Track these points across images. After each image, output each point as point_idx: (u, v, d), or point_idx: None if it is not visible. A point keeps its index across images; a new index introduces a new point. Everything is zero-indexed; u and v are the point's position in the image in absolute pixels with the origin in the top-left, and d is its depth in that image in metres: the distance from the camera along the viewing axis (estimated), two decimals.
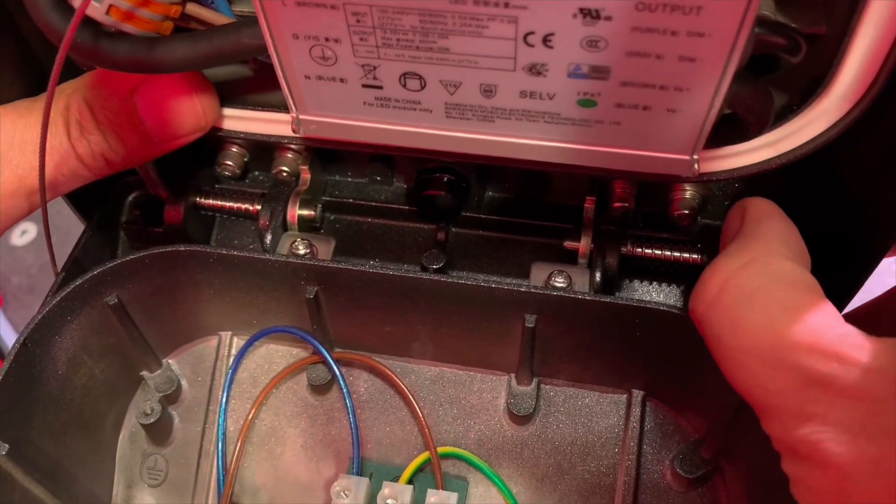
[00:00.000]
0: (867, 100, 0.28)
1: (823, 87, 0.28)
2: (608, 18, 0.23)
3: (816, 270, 0.27)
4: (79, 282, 0.34)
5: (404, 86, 0.27)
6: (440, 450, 0.37)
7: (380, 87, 0.27)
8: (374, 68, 0.26)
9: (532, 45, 0.24)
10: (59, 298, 0.33)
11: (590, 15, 0.22)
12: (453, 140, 0.29)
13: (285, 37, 0.26)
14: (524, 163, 0.33)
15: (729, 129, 0.31)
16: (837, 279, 0.32)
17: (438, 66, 0.26)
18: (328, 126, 0.30)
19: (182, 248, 0.35)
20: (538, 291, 0.33)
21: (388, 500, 0.33)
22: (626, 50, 0.24)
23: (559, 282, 0.34)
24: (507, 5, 0.23)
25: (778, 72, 0.29)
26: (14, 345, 0.32)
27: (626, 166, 0.28)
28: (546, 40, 0.24)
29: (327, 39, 0.26)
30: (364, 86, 0.27)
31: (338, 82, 0.27)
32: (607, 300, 0.32)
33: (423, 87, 0.27)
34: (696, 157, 0.27)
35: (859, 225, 0.34)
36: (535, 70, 0.25)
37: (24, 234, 0.92)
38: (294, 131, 0.31)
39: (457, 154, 0.33)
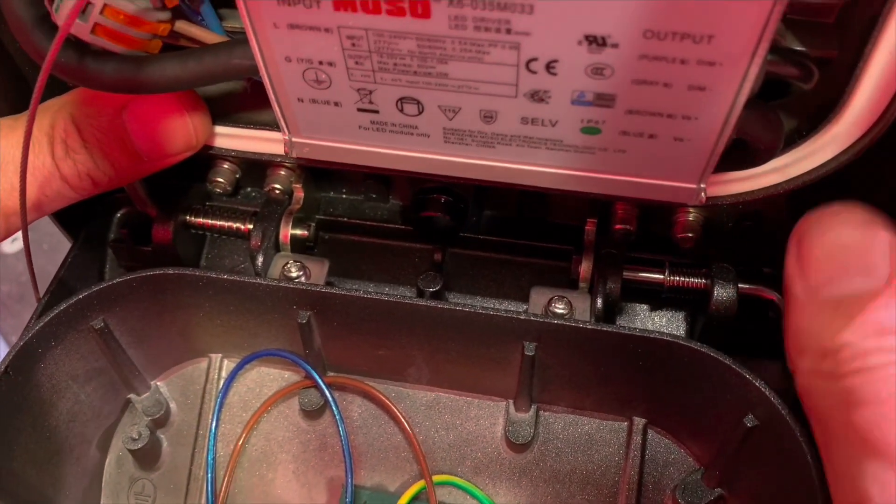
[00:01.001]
0: (880, 126, 0.27)
1: (834, 112, 0.27)
2: (615, 46, 0.22)
3: None
4: (63, 306, 0.33)
5: (401, 110, 0.26)
6: (436, 478, 0.36)
7: (376, 112, 0.26)
8: (370, 92, 0.25)
9: (535, 72, 0.23)
10: (42, 324, 0.32)
11: (595, 42, 0.22)
12: (452, 165, 0.28)
13: (277, 59, 0.25)
14: (519, 186, 0.32)
15: (736, 154, 0.30)
16: None
17: (437, 91, 0.25)
18: (322, 149, 0.29)
19: (171, 272, 0.34)
20: (538, 319, 0.32)
21: None
22: (632, 78, 0.23)
23: (559, 308, 0.33)
24: (509, 31, 0.22)
25: (788, 97, 0.28)
26: None
27: (630, 193, 0.27)
28: (549, 67, 0.23)
29: (321, 63, 0.25)
30: (359, 110, 0.26)
31: (332, 106, 0.26)
32: (610, 329, 0.31)
33: (420, 112, 0.26)
34: (703, 185, 0.26)
35: None
36: (538, 97, 0.24)
37: (15, 241, 0.90)
38: (286, 153, 0.30)
39: (455, 177, 0.32)
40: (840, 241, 0.26)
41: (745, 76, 0.22)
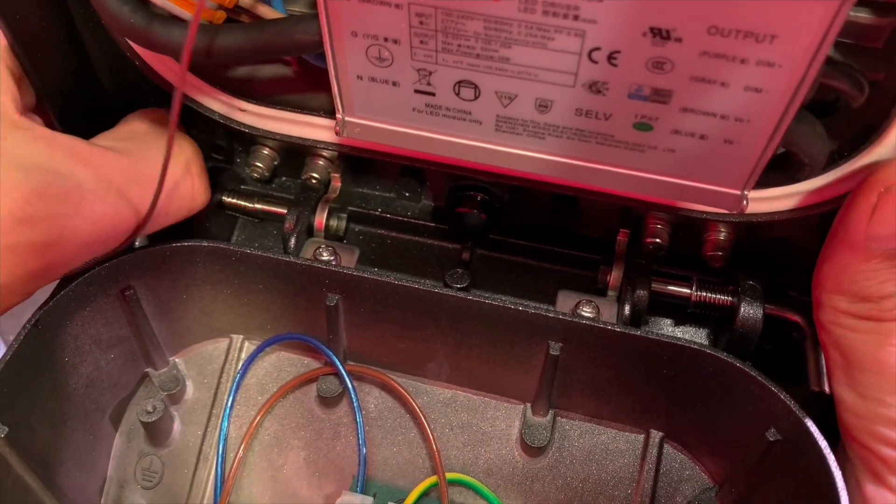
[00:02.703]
0: None
1: (877, 135, 0.28)
2: (678, 40, 0.22)
3: None
4: (96, 268, 0.33)
5: (457, 94, 0.26)
6: (448, 476, 0.35)
7: (432, 94, 0.27)
8: (430, 73, 0.26)
9: (596, 62, 0.24)
10: (74, 283, 0.33)
11: (660, 35, 0.22)
12: (499, 155, 0.28)
13: (344, 33, 0.25)
14: (564, 188, 0.32)
15: (780, 170, 0.30)
16: None
17: (496, 76, 0.25)
18: (373, 130, 0.29)
19: (204, 244, 0.34)
20: (566, 318, 0.32)
21: None
22: (691, 74, 0.23)
23: (587, 311, 0.34)
24: (576, 18, 0.22)
25: (832, 115, 0.29)
26: (25, 325, 0.31)
27: (673, 196, 0.27)
28: (611, 58, 0.23)
29: (386, 39, 0.25)
30: (416, 91, 0.27)
31: (390, 85, 0.27)
32: (637, 333, 0.32)
33: (476, 97, 0.26)
34: (746, 192, 0.27)
35: None
36: (596, 88, 0.25)
37: None
38: (337, 133, 0.30)
39: (496, 173, 0.33)
40: None
41: (802, 80, 0.22)
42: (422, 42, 0.25)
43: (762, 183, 0.30)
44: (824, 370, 0.33)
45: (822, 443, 0.28)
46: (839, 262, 0.28)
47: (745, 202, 0.27)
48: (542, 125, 0.27)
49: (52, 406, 0.33)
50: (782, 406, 0.30)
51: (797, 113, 0.26)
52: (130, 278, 0.34)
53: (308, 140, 0.35)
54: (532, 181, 0.32)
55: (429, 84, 0.26)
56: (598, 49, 0.23)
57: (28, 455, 0.31)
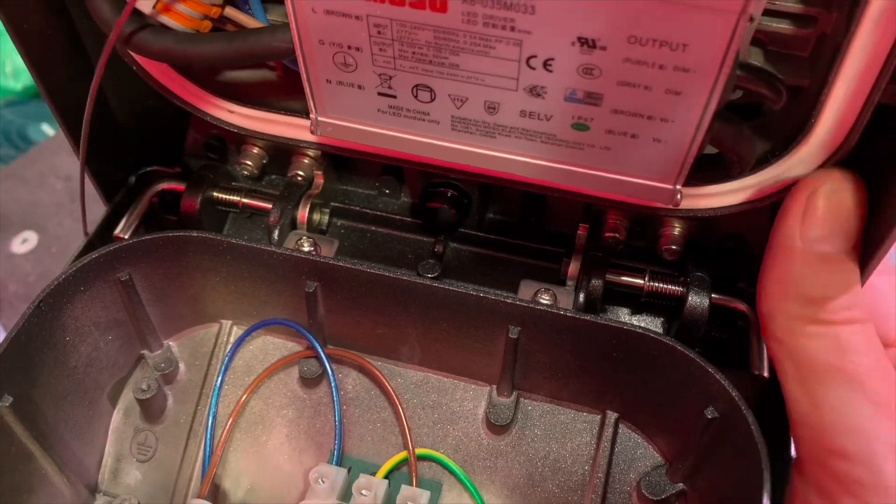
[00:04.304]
0: (843, 151, 0.30)
1: (803, 135, 0.31)
2: (603, 48, 0.25)
3: None
4: (94, 255, 0.36)
5: (416, 97, 0.29)
6: (418, 451, 0.38)
7: (393, 97, 0.30)
8: (390, 78, 0.29)
9: (533, 68, 0.26)
10: (75, 268, 0.36)
11: (587, 44, 0.25)
12: (457, 153, 0.31)
13: (312, 41, 0.28)
14: (520, 184, 0.35)
15: (714, 169, 0.33)
16: None
17: (448, 80, 0.28)
18: (343, 129, 0.32)
19: (194, 234, 0.37)
20: (523, 304, 0.35)
21: (363, 491, 0.35)
22: (618, 79, 0.26)
23: (545, 299, 0.36)
24: (513, 29, 0.25)
25: (762, 118, 0.31)
26: (30, 306, 0.34)
27: (613, 191, 0.30)
28: (546, 64, 0.26)
29: (349, 47, 0.28)
30: (379, 94, 0.30)
31: (356, 88, 0.30)
32: (588, 318, 0.34)
33: (432, 100, 0.29)
34: (678, 187, 0.30)
35: None
36: (535, 91, 0.27)
37: (25, 242, 0.94)
38: (312, 132, 0.33)
39: (460, 170, 0.36)
40: (846, 203, 0.29)
41: (715, 84, 0.25)
42: (381, 49, 0.28)
43: (701, 180, 0.33)
44: (766, 356, 0.36)
45: (750, 418, 0.31)
46: (782, 270, 0.30)
47: (678, 196, 0.30)
48: (492, 125, 0.29)
49: (54, 382, 0.36)
50: (718, 386, 0.32)
51: (723, 114, 0.29)
52: (127, 266, 0.37)
53: (290, 139, 0.38)
54: (492, 178, 0.35)
55: (390, 87, 0.29)
56: (534, 56, 0.26)
57: (30, 424, 0.34)
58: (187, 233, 0.37)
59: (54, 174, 0.95)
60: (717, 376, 0.32)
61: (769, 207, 0.38)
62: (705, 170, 0.33)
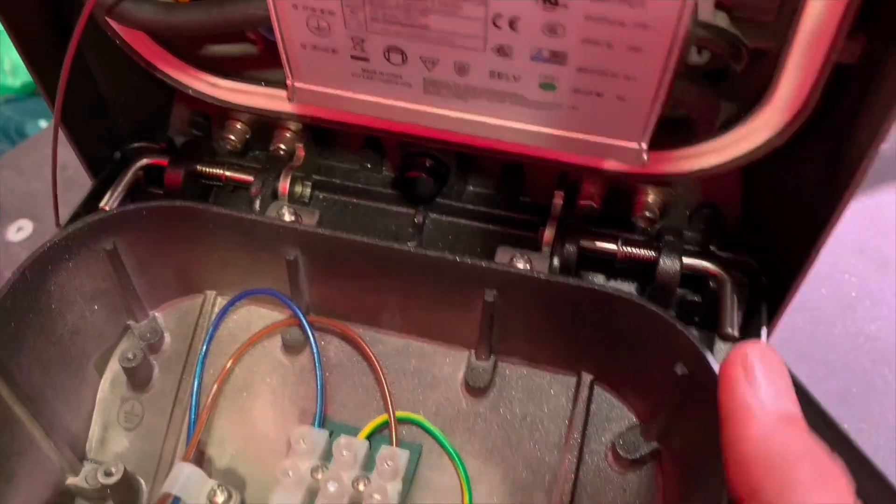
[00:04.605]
0: (804, 112, 0.31)
1: (766, 97, 0.32)
2: (565, 6, 0.26)
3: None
4: (80, 224, 0.37)
5: (388, 59, 0.30)
6: (398, 414, 0.39)
7: (366, 60, 0.31)
8: (363, 41, 0.30)
9: (500, 27, 0.27)
10: (59, 237, 0.36)
11: (549, 1, 0.26)
12: (430, 116, 0.32)
13: (286, 5, 0.29)
14: (493, 151, 0.36)
15: (681, 133, 0.34)
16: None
17: (418, 42, 0.29)
18: (319, 95, 0.33)
19: (178, 204, 0.38)
20: (499, 268, 0.36)
21: (344, 451, 0.36)
22: (581, 37, 0.27)
23: (520, 264, 0.37)
24: None
25: (726, 81, 0.32)
26: (15, 272, 0.35)
27: (582, 151, 0.31)
28: (512, 23, 0.27)
29: (322, 11, 0.29)
30: (352, 57, 0.31)
31: (330, 53, 0.31)
32: (561, 280, 0.35)
33: (404, 62, 0.30)
34: (644, 146, 0.30)
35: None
36: (503, 51, 0.28)
37: (20, 230, 0.94)
38: (289, 99, 0.34)
39: (435, 138, 0.37)
40: (779, 363, 0.28)
41: (674, 40, 0.26)
42: (352, 12, 0.29)
43: (669, 143, 0.34)
44: (736, 314, 0.37)
45: (717, 368, 0.32)
46: (747, 446, 0.26)
47: (644, 157, 0.31)
48: (462, 87, 0.30)
49: (40, 348, 0.37)
50: (687, 343, 0.33)
51: (686, 74, 0.30)
52: (112, 235, 0.38)
53: (271, 111, 0.39)
54: (467, 146, 0.36)
55: (362, 50, 0.30)
56: (500, 16, 0.27)
57: (16, 389, 0.35)
58: (171, 202, 0.38)
59: (49, 164, 0.96)
60: (686, 332, 0.33)
61: (739, 174, 0.39)
62: (673, 134, 0.34)
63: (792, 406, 0.27)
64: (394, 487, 0.35)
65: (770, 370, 0.27)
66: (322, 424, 0.39)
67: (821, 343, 0.62)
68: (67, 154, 0.42)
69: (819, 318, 0.63)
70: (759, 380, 0.27)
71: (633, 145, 0.30)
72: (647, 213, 0.40)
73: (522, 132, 0.31)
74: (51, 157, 0.39)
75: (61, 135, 0.39)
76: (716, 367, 0.32)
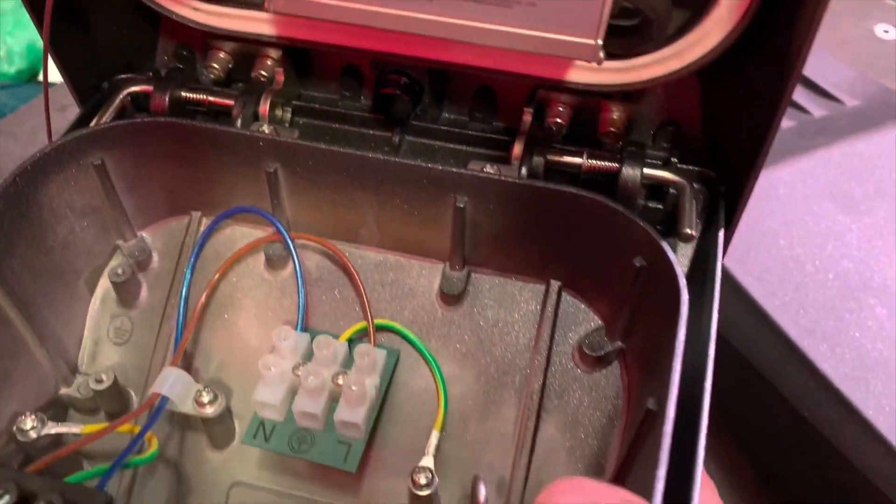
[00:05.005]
0: (751, 11, 0.33)
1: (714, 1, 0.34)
2: None
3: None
4: (69, 138, 0.39)
5: None
6: (376, 321, 0.41)
7: None
8: None
9: None
10: (50, 149, 0.38)
11: None
12: (397, 19, 0.34)
13: None
14: (460, 66, 0.38)
15: (636, 40, 0.36)
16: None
17: None
18: (294, 3, 0.35)
19: (161, 120, 0.40)
20: (469, 174, 0.37)
21: (324, 349, 0.38)
22: None
23: (489, 170, 0.39)
24: None
25: None
26: (5, 180, 0.37)
27: (541, 49, 0.33)
28: None
29: None
30: None
31: None
32: (527, 183, 0.37)
33: None
34: (599, 42, 0.32)
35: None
36: None
37: None
38: (266, 9, 0.36)
39: (407, 55, 0.39)
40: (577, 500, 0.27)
41: None
42: None
43: (628, 54, 0.36)
44: (694, 216, 0.38)
45: (673, 258, 0.34)
46: None
47: (600, 54, 0.33)
48: None
49: (31, 257, 0.39)
50: (644, 234, 0.35)
51: None
52: (100, 150, 0.40)
53: (250, 33, 0.41)
54: (437, 62, 0.38)
55: None
56: None
57: (9, 291, 0.37)
58: (155, 118, 0.40)
59: (44, 131, 0.98)
60: (643, 225, 0.35)
61: (698, 91, 0.41)
62: (631, 42, 0.36)
63: None
64: (371, 382, 0.37)
65: None
66: (304, 328, 0.41)
67: (793, 281, 0.64)
68: (62, 122, 0.43)
69: (791, 257, 0.65)
70: None
71: (589, 41, 0.32)
72: (612, 129, 0.41)
73: (484, 31, 0.33)
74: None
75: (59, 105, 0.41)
76: (671, 256, 0.34)
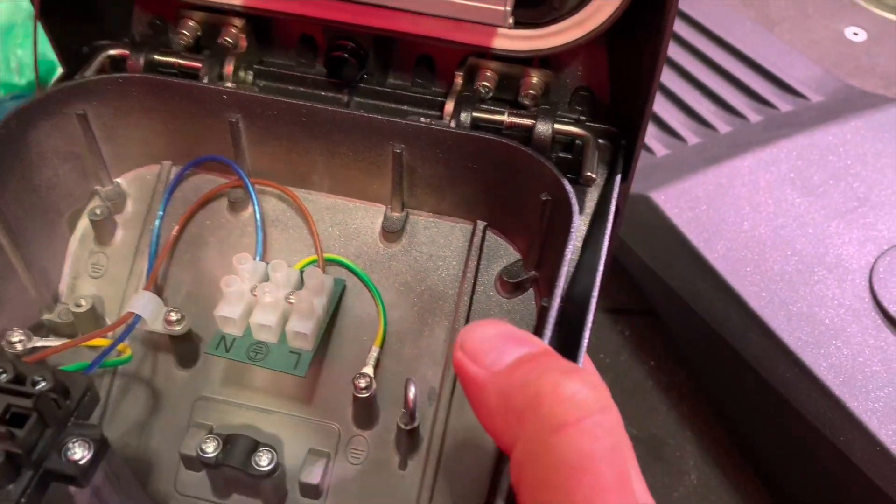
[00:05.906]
0: None
1: None
2: None
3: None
4: (58, 88, 0.44)
5: None
6: (326, 255, 0.47)
7: None
8: None
9: None
10: (40, 98, 0.44)
11: None
12: None
13: None
14: (395, 33, 0.44)
15: (546, 9, 0.43)
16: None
17: None
18: None
19: (136, 76, 0.46)
20: (403, 122, 0.44)
21: (278, 273, 0.44)
22: None
23: (423, 121, 0.45)
24: None
25: None
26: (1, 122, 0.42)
27: (453, 13, 0.39)
28: None
29: None
30: None
31: None
32: (455, 131, 0.43)
33: None
34: (508, 8, 0.39)
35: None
36: None
37: None
38: None
39: (351, 23, 0.45)
40: (489, 330, 0.30)
41: None
42: None
43: (540, 23, 0.43)
44: (596, 162, 0.45)
45: (569, 189, 0.40)
46: (493, 401, 0.27)
47: (510, 19, 0.39)
48: None
49: (21, 191, 0.44)
50: (549, 173, 0.42)
51: None
52: (83, 102, 0.45)
53: (216, 3, 0.47)
54: (377, 29, 0.44)
55: None
56: None
57: (2, 217, 0.42)
58: (131, 74, 0.46)
59: None
60: (548, 164, 0.42)
61: (606, 59, 0.48)
62: (539, 12, 0.43)
63: (514, 349, 0.28)
64: (319, 301, 0.43)
65: (481, 338, 0.29)
66: (262, 258, 0.47)
67: (755, 257, 0.71)
68: None
69: (754, 237, 0.73)
70: (476, 351, 0.28)
71: (499, 7, 0.39)
72: (532, 92, 0.48)
73: None
74: None
75: None
76: (568, 187, 0.41)
